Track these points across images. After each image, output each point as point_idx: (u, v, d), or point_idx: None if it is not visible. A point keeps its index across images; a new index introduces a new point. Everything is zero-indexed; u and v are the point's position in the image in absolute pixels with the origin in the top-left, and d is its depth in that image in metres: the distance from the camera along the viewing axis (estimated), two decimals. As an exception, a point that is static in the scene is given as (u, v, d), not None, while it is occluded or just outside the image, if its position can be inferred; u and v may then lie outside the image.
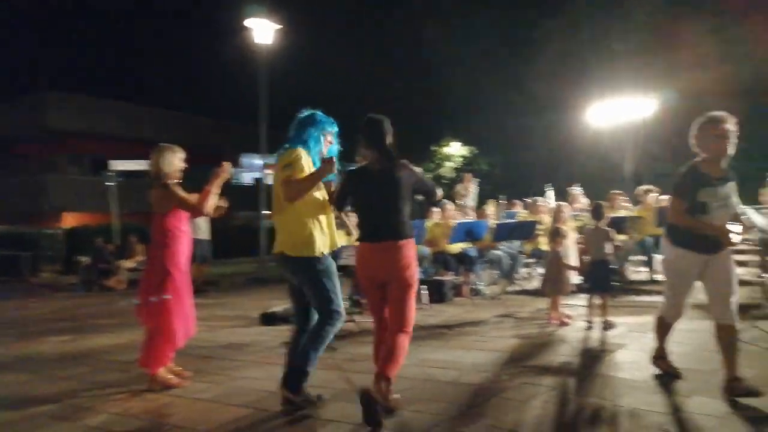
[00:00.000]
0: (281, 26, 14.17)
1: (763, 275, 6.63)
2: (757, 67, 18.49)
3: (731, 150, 3.45)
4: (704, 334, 5.10)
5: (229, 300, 9.88)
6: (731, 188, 3.53)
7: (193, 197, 4.33)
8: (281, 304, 7.32)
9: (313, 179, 3.43)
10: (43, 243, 17.98)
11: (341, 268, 7.36)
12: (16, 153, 24.98)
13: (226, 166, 4.32)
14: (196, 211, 4.31)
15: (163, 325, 4.17)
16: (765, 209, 7.33)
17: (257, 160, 15.28)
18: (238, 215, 26.81)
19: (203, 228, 10.72)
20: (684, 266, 3.61)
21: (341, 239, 7.74)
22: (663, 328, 3.97)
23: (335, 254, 6.79)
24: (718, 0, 19.01)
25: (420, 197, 3.70)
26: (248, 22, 13.85)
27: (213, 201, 4.29)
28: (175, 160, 4.36)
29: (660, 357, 3.97)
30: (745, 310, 6.01)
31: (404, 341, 3.38)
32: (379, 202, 3.45)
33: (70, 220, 22.92)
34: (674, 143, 19.71)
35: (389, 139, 3.53)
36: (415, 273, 3.47)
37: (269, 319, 7.00)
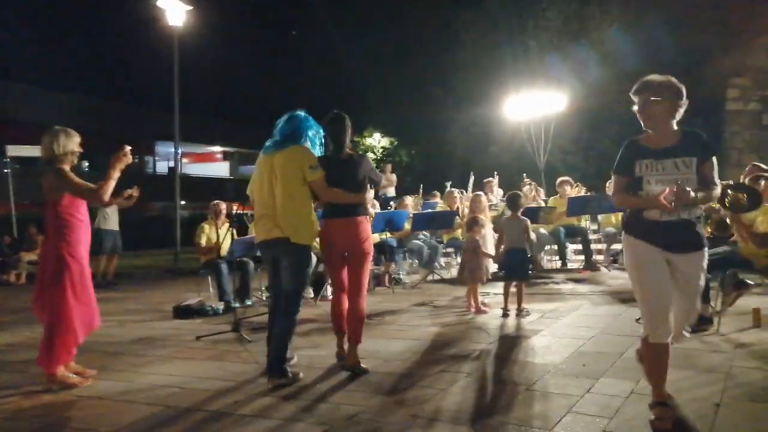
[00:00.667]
0: (192, 7, 13.68)
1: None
2: (657, 65, 19.66)
3: (660, 119, 2.94)
4: (608, 319, 5.39)
5: (141, 293, 9.44)
6: (684, 163, 2.90)
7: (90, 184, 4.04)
8: (196, 297, 7.07)
9: (348, 199, 4.06)
10: (-71, 235, 16.49)
11: (260, 259, 7.22)
12: None
13: (126, 149, 4.04)
14: (93, 197, 4.01)
15: (60, 320, 3.88)
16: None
17: (172, 149, 14.68)
18: (153, 205, 25.72)
19: (112, 218, 10.17)
20: (641, 261, 2.95)
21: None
22: (650, 355, 2.99)
23: (251, 247, 6.71)
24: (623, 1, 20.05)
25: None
26: (160, 3, 13.24)
27: (111, 187, 4.00)
28: (70, 144, 4.04)
29: (658, 403, 2.93)
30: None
31: (362, 303, 4.11)
32: (342, 186, 4.05)
33: (-39, 211, 21.17)
34: (584, 137, 20.72)
35: (349, 133, 4.23)
36: (370, 244, 4.20)
37: (183, 313, 6.73)
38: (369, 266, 4.25)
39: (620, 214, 9.58)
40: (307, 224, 3.92)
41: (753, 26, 18.03)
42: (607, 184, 10.41)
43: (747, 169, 5.64)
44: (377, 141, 27.13)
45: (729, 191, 4.38)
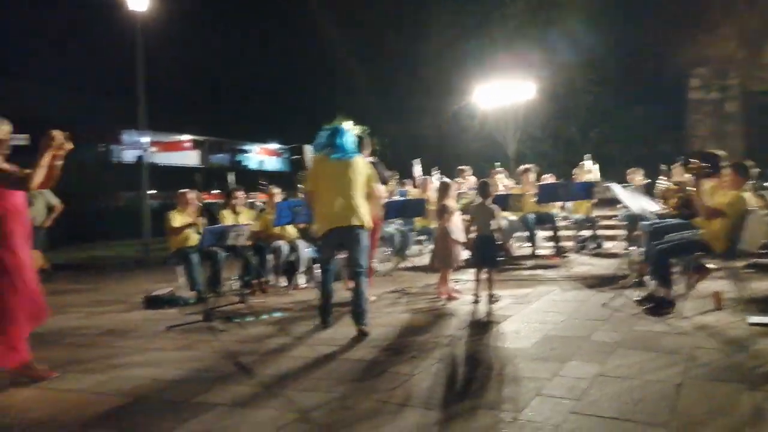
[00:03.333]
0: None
1: (629, 248, 7.22)
2: (621, 54, 19.98)
3: None
4: (575, 304, 5.49)
5: (108, 284, 9.29)
6: None
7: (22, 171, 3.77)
8: (165, 287, 6.99)
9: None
10: None
11: (231, 248, 7.15)
12: None
13: (56, 134, 3.74)
14: (18, 185, 3.77)
15: (2, 314, 3.72)
16: (631, 187, 7.90)
17: (138, 137, 14.38)
18: (120, 195, 25.18)
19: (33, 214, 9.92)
20: None
21: (230, 219, 7.54)
22: None
23: (225, 234, 6.69)
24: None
25: None
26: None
27: (40, 176, 3.74)
28: None
29: None
30: (614, 280, 6.53)
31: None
32: None
33: None
34: (552, 125, 20.99)
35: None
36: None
37: (153, 303, 6.65)
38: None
39: (589, 202, 9.80)
40: (366, 213, 5.02)
41: (713, 17, 18.43)
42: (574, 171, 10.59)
43: None
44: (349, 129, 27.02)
45: (691, 159, 4.95)
